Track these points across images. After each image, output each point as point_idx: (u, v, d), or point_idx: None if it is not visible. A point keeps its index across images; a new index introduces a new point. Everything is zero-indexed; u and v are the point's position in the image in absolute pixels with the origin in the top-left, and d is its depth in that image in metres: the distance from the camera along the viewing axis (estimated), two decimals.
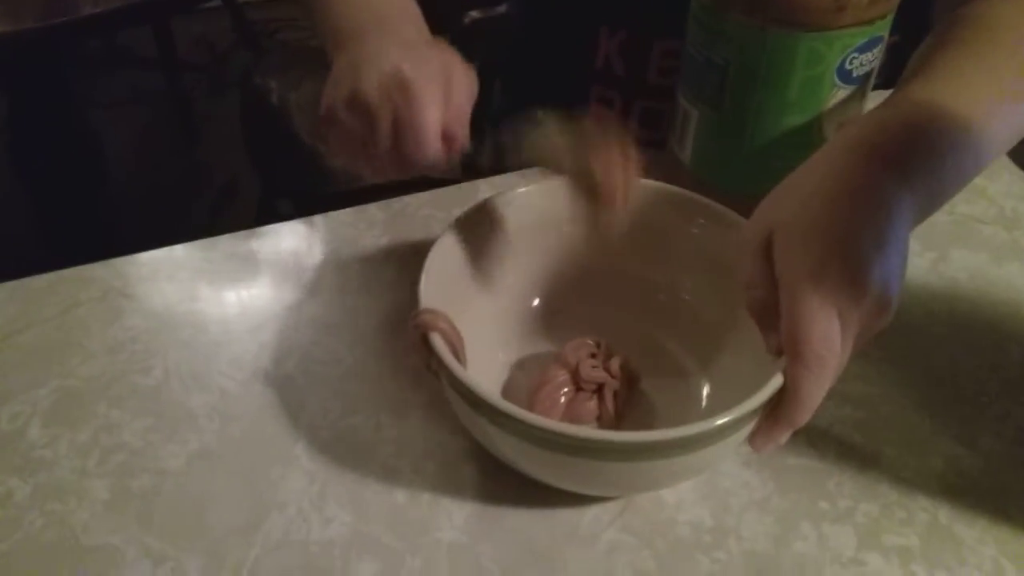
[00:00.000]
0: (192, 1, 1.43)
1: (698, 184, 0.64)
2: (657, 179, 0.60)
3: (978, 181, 0.74)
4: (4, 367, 0.59)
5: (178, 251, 0.69)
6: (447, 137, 0.54)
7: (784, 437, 0.47)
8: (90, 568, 0.49)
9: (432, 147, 0.54)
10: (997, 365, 0.62)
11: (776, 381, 0.44)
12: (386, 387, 0.59)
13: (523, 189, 0.59)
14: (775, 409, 0.45)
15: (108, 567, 0.49)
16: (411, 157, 0.54)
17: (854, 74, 0.61)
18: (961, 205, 0.74)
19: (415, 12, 0.64)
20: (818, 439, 0.57)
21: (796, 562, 0.50)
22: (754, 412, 0.44)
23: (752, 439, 0.47)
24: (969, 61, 0.57)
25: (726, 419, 0.43)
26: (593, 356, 0.55)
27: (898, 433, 0.57)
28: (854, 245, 0.45)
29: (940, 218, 0.72)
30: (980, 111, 0.53)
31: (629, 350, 0.58)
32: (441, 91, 0.54)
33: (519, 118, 0.56)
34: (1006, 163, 0.78)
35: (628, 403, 0.56)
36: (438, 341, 0.47)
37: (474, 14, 1.41)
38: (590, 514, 0.52)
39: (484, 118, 1.08)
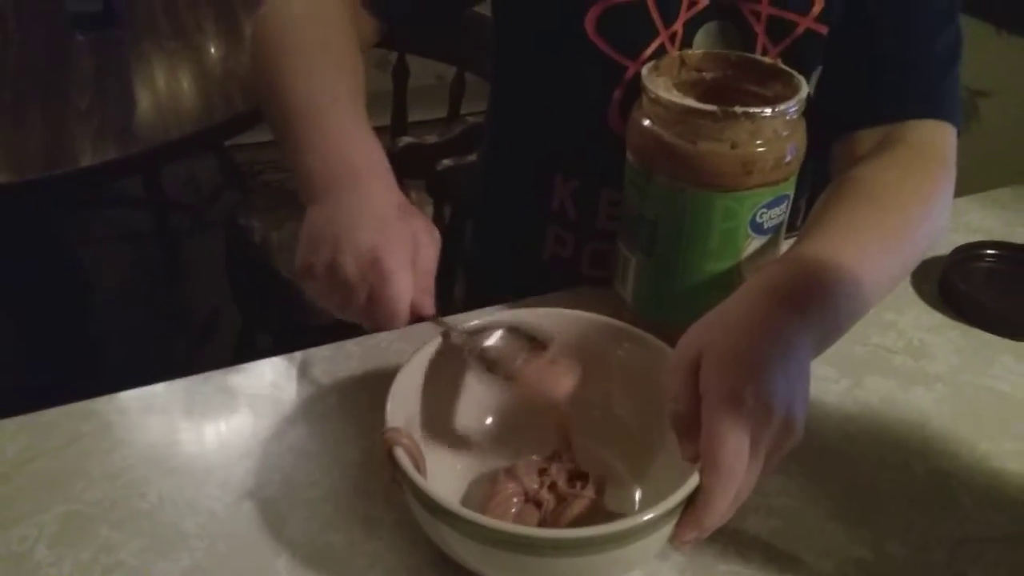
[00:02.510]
0: (183, 152, 1.54)
1: (639, 319, 0.73)
2: (605, 314, 0.69)
3: (889, 315, 0.84)
4: (15, 493, 0.66)
5: (174, 386, 0.76)
6: (415, 308, 0.62)
7: (693, 536, 0.54)
8: None
9: (402, 320, 0.61)
10: (903, 480, 0.69)
11: (693, 481, 0.52)
12: (359, 507, 0.66)
13: (475, 322, 0.67)
14: (688, 512, 0.53)
15: None
16: (383, 326, 0.62)
17: (765, 226, 0.71)
18: (874, 336, 0.83)
19: (383, 164, 0.70)
20: (745, 548, 0.64)
21: None
22: (673, 510, 0.52)
23: (671, 538, 0.54)
24: (856, 219, 0.68)
25: (649, 516, 0.51)
26: (542, 472, 0.63)
27: (816, 541, 0.64)
28: (765, 376, 0.54)
29: (856, 349, 0.81)
30: (865, 262, 0.64)
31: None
32: (411, 266, 0.61)
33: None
34: (914, 299, 0.88)
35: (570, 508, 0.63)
36: (401, 455, 0.55)
37: (447, 162, 1.53)
38: None
39: (457, 256, 1.18)
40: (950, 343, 0.83)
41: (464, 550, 0.54)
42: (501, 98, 0.97)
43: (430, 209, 1.65)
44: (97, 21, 1.67)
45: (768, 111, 0.67)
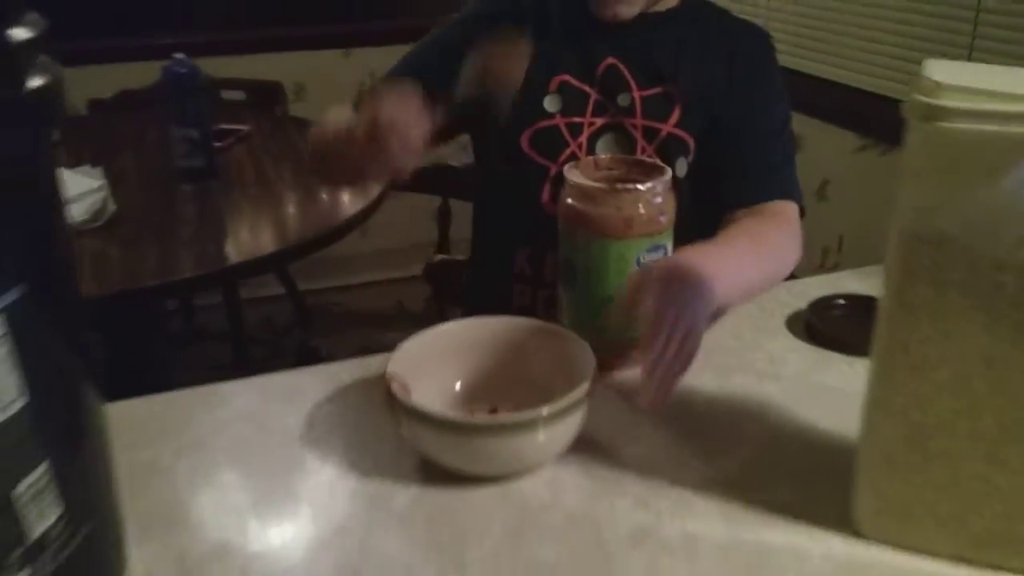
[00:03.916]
0: (262, 268, 1.93)
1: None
2: None
3: (764, 342, 1.15)
4: None
5: (234, 386, 1.11)
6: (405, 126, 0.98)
7: (652, 385, 0.87)
8: None
9: (394, 115, 0.97)
10: (742, 436, 0.99)
11: (582, 388, 0.86)
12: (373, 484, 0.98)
13: (456, 321, 1.01)
14: (645, 370, 0.88)
15: None
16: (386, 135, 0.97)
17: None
18: (748, 355, 1.14)
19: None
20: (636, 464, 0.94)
21: None
22: (570, 406, 0.85)
23: (643, 403, 0.88)
24: (739, 239, 1.09)
25: (555, 407, 0.84)
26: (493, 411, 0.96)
27: (682, 465, 0.94)
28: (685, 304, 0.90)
29: (731, 360, 1.12)
30: (746, 258, 1.06)
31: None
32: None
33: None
34: (785, 334, 1.19)
35: None
36: (396, 388, 0.88)
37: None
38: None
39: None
40: (803, 358, 1.13)
41: (433, 442, 0.87)
42: (478, 199, 1.38)
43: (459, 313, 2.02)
44: (200, 174, 2.11)
45: (640, 187, 1.02)
